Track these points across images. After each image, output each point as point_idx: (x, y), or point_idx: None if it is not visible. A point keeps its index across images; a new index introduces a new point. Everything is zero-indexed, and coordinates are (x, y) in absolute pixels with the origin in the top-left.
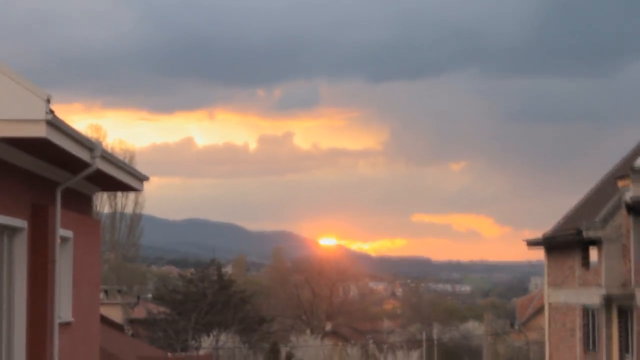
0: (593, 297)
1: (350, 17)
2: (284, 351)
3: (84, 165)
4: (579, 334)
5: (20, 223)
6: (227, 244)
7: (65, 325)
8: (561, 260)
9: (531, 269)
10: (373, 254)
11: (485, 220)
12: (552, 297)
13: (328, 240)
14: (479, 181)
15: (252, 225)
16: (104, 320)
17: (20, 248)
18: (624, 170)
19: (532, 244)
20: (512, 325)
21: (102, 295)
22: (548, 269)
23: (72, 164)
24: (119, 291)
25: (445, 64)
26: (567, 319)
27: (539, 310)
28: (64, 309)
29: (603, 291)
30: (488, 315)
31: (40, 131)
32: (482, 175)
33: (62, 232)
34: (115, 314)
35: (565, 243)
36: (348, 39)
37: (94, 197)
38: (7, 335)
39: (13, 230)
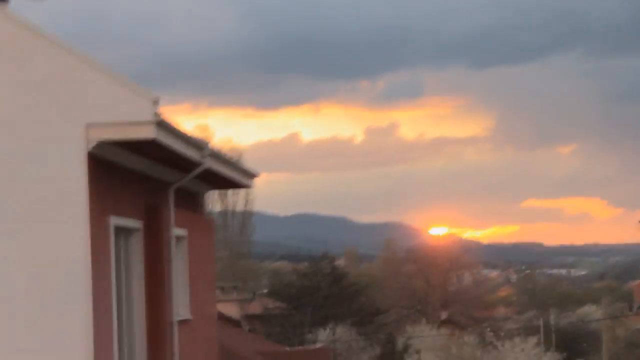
0: None
1: (450, 4)
2: (400, 342)
3: (194, 164)
4: None
5: (135, 224)
6: (338, 237)
7: (183, 322)
8: None
9: None
10: (485, 241)
11: (597, 202)
12: None
13: (439, 229)
14: (589, 163)
15: (362, 217)
16: (222, 316)
17: (137, 248)
18: None
19: None
20: (630, 308)
21: (218, 292)
22: None
23: (182, 164)
24: (235, 288)
25: (549, 47)
26: None
27: None
28: (181, 307)
29: None
30: (605, 298)
31: (149, 133)
32: (593, 157)
33: (176, 231)
34: (232, 310)
35: None
36: (450, 26)
37: (206, 196)
38: (128, 334)
39: (129, 232)
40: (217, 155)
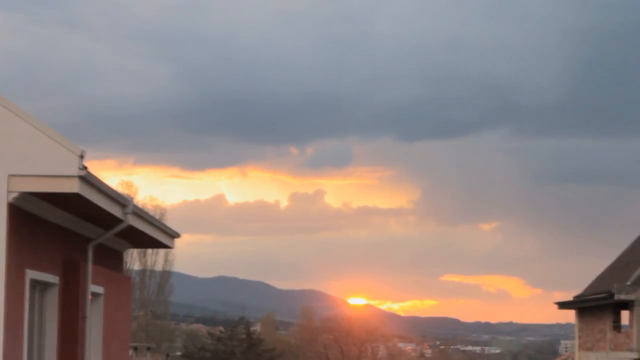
0: None
1: (383, 74)
2: None
3: (116, 221)
4: None
5: (52, 278)
6: (256, 302)
7: None
8: (592, 323)
9: (561, 331)
10: (402, 313)
11: (515, 281)
12: None
13: (357, 299)
14: (509, 242)
15: (282, 284)
16: None
17: (52, 303)
18: None
19: (563, 306)
20: None
21: (131, 352)
22: (579, 332)
23: (104, 220)
24: (148, 348)
25: (478, 123)
26: None
27: None
28: None
29: (635, 355)
30: None
31: (73, 187)
32: (513, 236)
33: (93, 288)
34: None
35: (597, 306)
36: (381, 96)
37: (125, 254)
38: None
39: (45, 286)
40: (139, 214)
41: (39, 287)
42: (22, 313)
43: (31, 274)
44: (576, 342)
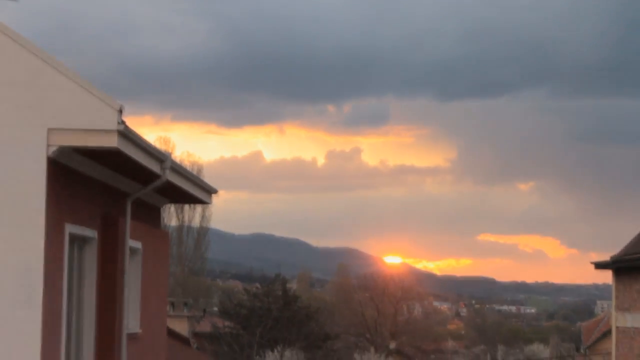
0: None
1: (421, 35)
2: None
3: (154, 176)
4: None
5: (91, 233)
6: (292, 260)
7: (133, 335)
8: (629, 283)
9: (597, 291)
10: (438, 273)
11: (551, 241)
12: (620, 320)
13: (393, 258)
14: (546, 202)
15: (317, 241)
16: (171, 332)
17: (91, 258)
18: None
19: (600, 266)
20: (577, 348)
21: (169, 307)
22: (616, 292)
23: (142, 175)
24: (186, 304)
25: (516, 82)
26: (634, 343)
27: (605, 334)
28: (132, 320)
29: None
30: (553, 338)
31: (112, 141)
32: (550, 195)
33: (131, 243)
34: (181, 327)
35: (635, 266)
36: (419, 55)
37: (162, 209)
38: (77, 344)
39: (84, 240)
40: (177, 169)
41: (78, 241)
42: (62, 267)
43: (70, 228)
44: (613, 302)
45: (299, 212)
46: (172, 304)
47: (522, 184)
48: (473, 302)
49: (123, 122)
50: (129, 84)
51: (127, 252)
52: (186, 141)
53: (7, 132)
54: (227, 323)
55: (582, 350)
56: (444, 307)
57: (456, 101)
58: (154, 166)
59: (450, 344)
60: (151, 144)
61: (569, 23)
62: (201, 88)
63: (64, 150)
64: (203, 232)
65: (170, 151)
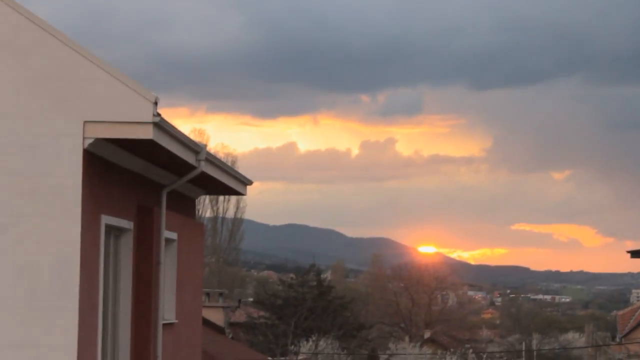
0: None
1: (455, 24)
2: (382, 358)
3: (189, 167)
4: None
5: (127, 224)
6: (326, 250)
7: (169, 325)
8: None
9: (633, 280)
10: (472, 262)
11: (587, 230)
12: None
13: (427, 248)
14: (581, 190)
15: (351, 232)
16: (206, 322)
17: (126, 248)
18: None
19: (635, 254)
20: (613, 337)
21: (204, 297)
22: None
23: (177, 167)
24: (221, 294)
25: (551, 71)
26: None
27: None
28: (167, 310)
29: None
30: (589, 326)
31: (147, 133)
32: (585, 184)
33: (167, 233)
34: (217, 317)
35: None
36: (453, 45)
37: (197, 201)
38: (113, 333)
39: (120, 231)
40: (212, 160)
41: (114, 232)
42: (98, 257)
43: (106, 219)
44: None
45: (333, 203)
46: (207, 295)
47: (558, 172)
48: (508, 291)
49: (158, 114)
50: (165, 76)
51: (163, 242)
52: (221, 132)
53: (44, 125)
54: (262, 313)
55: (617, 339)
56: (479, 296)
57: (490, 90)
58: (189, 157)
59: (485, 333)
60: (186, 136)
61: (602, 12)
62: (235, 79)
63: (99, 142)
64: (237, 223)
65: (205, 143)
